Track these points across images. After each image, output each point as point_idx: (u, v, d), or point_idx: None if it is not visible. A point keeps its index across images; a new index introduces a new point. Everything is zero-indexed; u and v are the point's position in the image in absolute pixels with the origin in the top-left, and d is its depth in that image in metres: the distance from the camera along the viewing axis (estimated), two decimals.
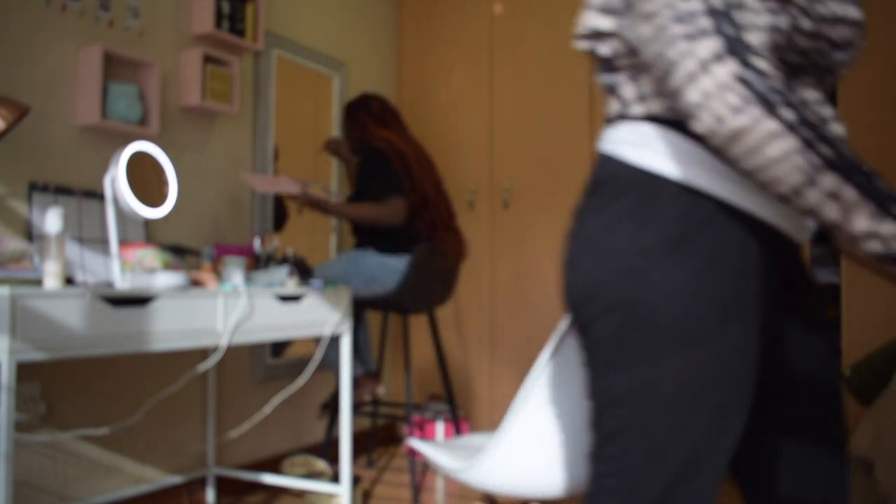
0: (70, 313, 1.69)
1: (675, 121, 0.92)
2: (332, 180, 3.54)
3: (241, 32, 2.85)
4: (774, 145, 0.78)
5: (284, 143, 3.23)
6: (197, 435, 2.74)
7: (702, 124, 0.81)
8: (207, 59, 2.72)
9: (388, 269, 2.81)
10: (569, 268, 0.99)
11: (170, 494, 2.60)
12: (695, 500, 0.91)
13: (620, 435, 0.93)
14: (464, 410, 3.71)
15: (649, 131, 0.94)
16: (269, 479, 2.71)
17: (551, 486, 1.60)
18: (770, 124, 0.77)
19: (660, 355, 0.90)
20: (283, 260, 2.47)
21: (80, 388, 2.31)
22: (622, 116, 0.99)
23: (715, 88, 0.78)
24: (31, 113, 2.17)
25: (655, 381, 0.91)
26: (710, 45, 0.79)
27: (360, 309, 2.91)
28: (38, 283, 1.75)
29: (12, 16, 2.16)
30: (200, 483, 2.74)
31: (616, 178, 0.96)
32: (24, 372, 2.11)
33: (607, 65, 1.00)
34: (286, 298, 2.29)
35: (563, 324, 1.50)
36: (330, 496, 2.65)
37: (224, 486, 2.82)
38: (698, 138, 0.91)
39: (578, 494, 1.64)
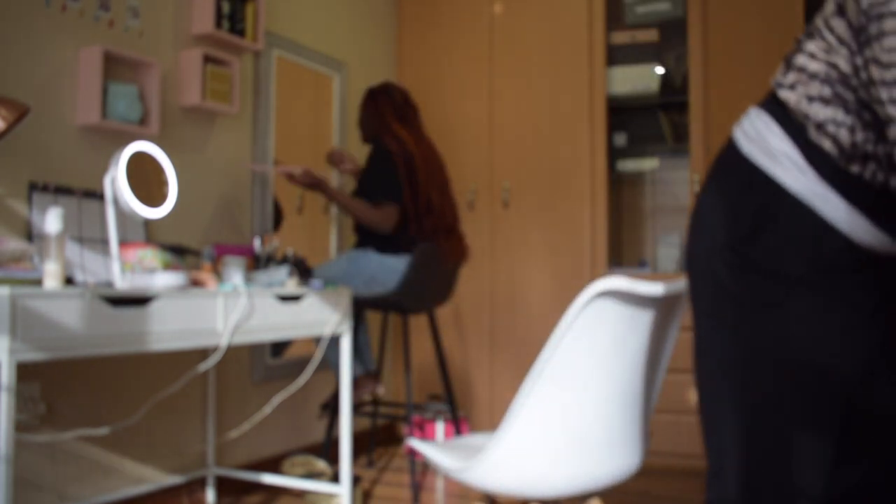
0: (70, 313, 1.69)
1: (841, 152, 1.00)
2: (332, 181, 3.54)
3: (241, 32, 2.84)
4: None
5: (284, 143, 3.22)
6: (197, 435, 2.74)
7: None
8: (207, 59, 2.72)
9: (388, 269, 2.81)
10: None
11: (170, 494, 2.60)
12: None
13: None
14: (464, 410, 3.71)
15: (780, 137, 1.03)
16: (269, 479, 2.71)
17: (551, 486, 1.60)
18: None
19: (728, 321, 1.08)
20: (283, 260, 2.47)
21: (80, 388, 2.31)
22: (775, 102, 1.06)
23: None
24: (31, 113, 2.17)
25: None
26: None
27: (360, 309, 2.91)
28: (38, 283, 1.75)
29: (12, 16, 2.16)
30: (200, 483, 2.74)
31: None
32: (24, 372, 2.11)
33: (809, 60, 1.04)
34: (286, 298, 2.29)
35: (564, 321, 1.50)
36: (330, 496, 2.65)
37: (224, 486, 2.82)
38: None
39: (578, 494, 1.64)
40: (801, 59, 1.04)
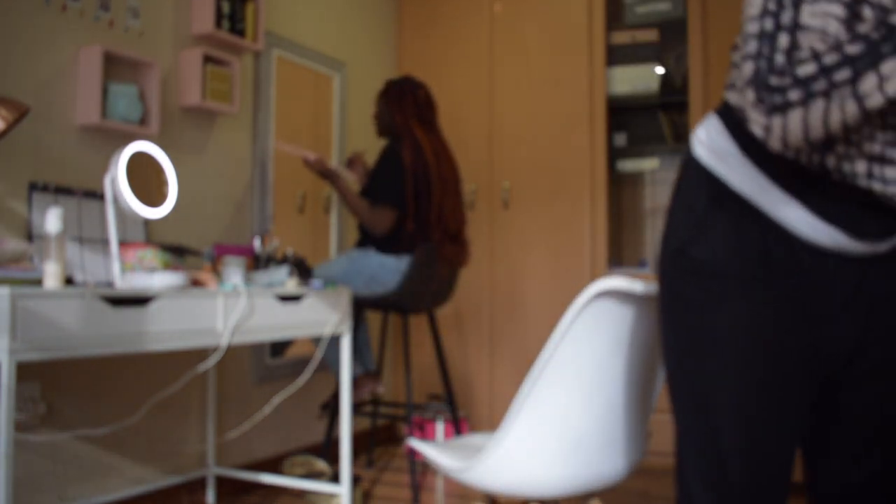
0: (70, 313, 1.69)
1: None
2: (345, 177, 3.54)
3: (241, 32, 2.85)
4: (814, 124, 0.87)
5: (284, 142, 3.23)
6: (197, 435, 2.74)
7: (750, 127, 0.93)
8: (207, 59, 2.72)
9: (389, 269, 2.81)
10: None
11: (170, 494, 2.60)
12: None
13: None
14: (464, 410, 3.71)
15: (714, 124, 1.07)
16: (269, 479, 2.71)
17: (551, 486, 1.60)
18: (792, 122, 0.88)
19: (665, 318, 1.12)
20: (283, 260, 2.47)
21: (80, 388, 2.31)
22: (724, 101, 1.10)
23: (749, 107, 0.91)
24: (31, 113, 2.17)
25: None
26: (748, 69, 0.91)
27: (360, 309, 2.91)
28: (38, 283, 1.75)
29: (12, 16, 2.16)
30: (200, 483, 2.74)
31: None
32: (24, 372, 2.11)
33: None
34: (286, 298, 2.29)
35: (564, 321, 1.50)
36: (330, 496, 2.65)
37: (224, 486, 2.82)
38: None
39: (578, 494, 1.64)
40: (735, 56, 1.06)
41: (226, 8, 2.78)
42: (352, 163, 3.20)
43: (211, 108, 2.72)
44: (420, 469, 3.28)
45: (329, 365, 2.89)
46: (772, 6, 0.91)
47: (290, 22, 3.28)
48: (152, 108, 2.47)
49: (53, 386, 2.23)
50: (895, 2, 0.87)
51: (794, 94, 0.87)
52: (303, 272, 2.44)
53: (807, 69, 0.86)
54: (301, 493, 2.86)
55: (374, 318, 3.66)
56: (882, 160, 0.95)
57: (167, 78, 2.65)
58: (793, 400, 1.01)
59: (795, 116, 0.87)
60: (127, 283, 1.95)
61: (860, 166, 0.95)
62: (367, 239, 2.92)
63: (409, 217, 2.79)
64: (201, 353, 2.61)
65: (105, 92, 2.36)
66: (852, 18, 0.88)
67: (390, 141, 2.93)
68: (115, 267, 1.96)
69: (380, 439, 3.76)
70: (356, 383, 2.92)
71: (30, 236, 2.16)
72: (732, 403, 1.00)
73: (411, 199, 2.79)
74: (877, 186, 0.95)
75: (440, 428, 3.47)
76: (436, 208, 2.82)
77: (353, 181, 3.11)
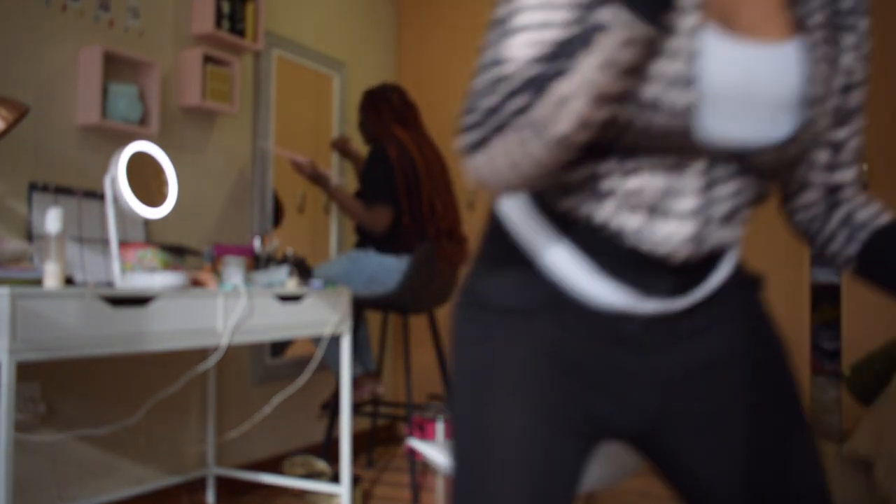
0: (70, 313, 1.69)
1: None
2: (334, 178, 3.54)
3: (241, 32, 2.84)
4: (500, 168, 0.76)
5: (284, 143, 3.22)
6: (197, 435, 2.74)
7: None
8: (207, 59, 2.72)
9: (389, 270, 2.81)
10: None
11: (170, 494, 2.60)
12: None
13: None
14: None
15: None
16: (269, 479, 2.71)
17: None
18: (480, 164, 0.76)
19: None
20: (283, 260, 2.47)
21: (80, 388, 2.31)
22: None
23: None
24: (31, 113, 2.17)
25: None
26: None
27: (360, 309, 2.91)
28: (38, 283, 1.75)
29: (12, 15, 2.16)
30: (200, 483, 2.74)
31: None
32: (24, 372, 2.11)
33: None
34: (286, 298, 2.29)
35: None
36: (330, 496, 2.65)
37: (224, 486, 2.82)
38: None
39: (577, 494, 1.64)
40: None
41: (226, 8, 2.78)
42: (342, 145, 3.24)
43: (211, 108, 2.72)
44: (420, 469, 3.28)
45: (329, 365, 2.89)
46: (485, 40, 0.77)
47: (290, 22, 3.28)
48: (152, 108, 2.47)
49: (53, 386, 2.23)
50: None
51: (475, 134, 0.75)
52: (303, 272, 2.44)
53: (488, 102, 0.74)
54: (301, 493, 2.86)
55: (374, 318, 3.66)
56: (659, 212, 0.80)
57: (167, 78, 2.65)
58: (561, 466, 0.91)
59: (481, 159, 0.76)
60: (127, 283, 1.95)
61: (632, 221, 0.81)
62: (367, 239, 2.92)
63: (404, 213, 2.81)
64: (201, 353, 2.61)
65: (105, 92, 2.36)
66: None
67: (375, 144, 2.96)
68: (115, 267, 1.96)
69: (380, 439, 3.76)
70: (356, 383, 2.92)
71: (30, 236, 2.16)
72: (500, 444, 0.89)
73: (404, 194, 2.81)
74: (646, 245, 0.81)
75: (440, 428, 3.47)
76: (426, 202, 2.83)
77: (346, 183, 3.12)
